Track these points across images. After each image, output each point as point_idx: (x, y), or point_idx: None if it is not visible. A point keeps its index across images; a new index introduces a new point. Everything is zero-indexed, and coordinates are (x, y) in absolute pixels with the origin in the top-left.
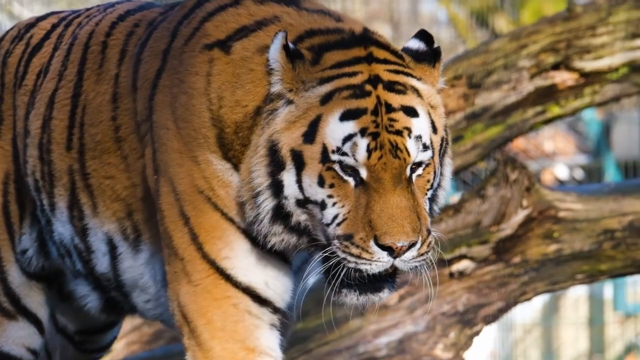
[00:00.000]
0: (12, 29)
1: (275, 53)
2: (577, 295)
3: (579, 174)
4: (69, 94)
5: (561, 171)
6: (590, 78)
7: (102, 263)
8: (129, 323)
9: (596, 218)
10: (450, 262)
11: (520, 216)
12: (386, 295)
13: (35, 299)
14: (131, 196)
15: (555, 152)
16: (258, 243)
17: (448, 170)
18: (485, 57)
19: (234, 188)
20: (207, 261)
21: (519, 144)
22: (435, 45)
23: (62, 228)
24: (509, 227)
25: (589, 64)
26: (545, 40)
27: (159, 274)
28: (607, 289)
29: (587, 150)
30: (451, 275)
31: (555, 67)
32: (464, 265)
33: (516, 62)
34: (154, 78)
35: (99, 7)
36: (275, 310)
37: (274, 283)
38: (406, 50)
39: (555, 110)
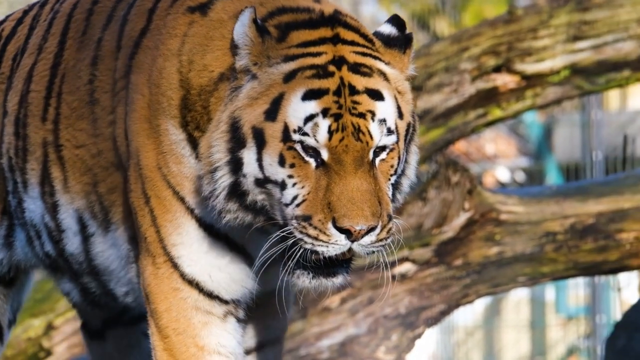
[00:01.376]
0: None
1: (243, 28)
2: (518, 298)
3: (521, 176)
4: (48, 65)
5: (503, 174)
6: (531, 80)
7: (72, 243)
8: (70, 325)
9: (538, 221)
10: (392, 264)
11: (462, 219)
12: (339, 282)
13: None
14: (97, 165)
15: (496, 155)
16: (209, 227)
17: (414, 158)
18: (426, 59)
19: (185, 164)
20: (162, 246)
21: (460, 146)
22: (407, 32)
23: (33, 205)
24: (450, 230)
25: (530, 67)
26: (487, 42)
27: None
28: (549, 291)
29: (529, 152)
30: (393, 277)
31: (497, 69)
32: (405, 267)
33: (457, 65)
34: (138, 37)
35: None
36: (225, 302)
37: (218, 275)
38: (377, 34)
39: (496, 112)
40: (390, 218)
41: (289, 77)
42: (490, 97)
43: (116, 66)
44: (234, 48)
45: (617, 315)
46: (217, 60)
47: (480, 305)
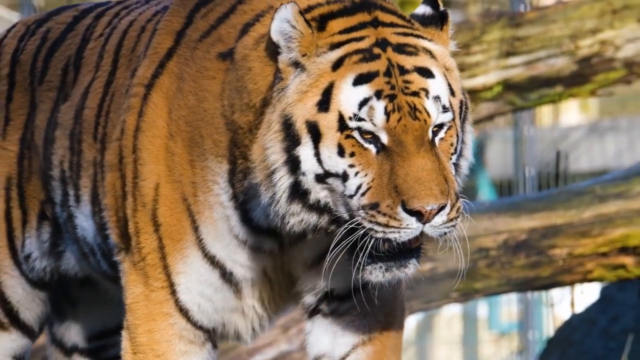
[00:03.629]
0: (14, 27)
1: (288, 22)
2: (451, 314)
3: None
4: (103, 83)
5: None
6: None
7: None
8: None
9: (470, 236)
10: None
11: None
12: (412, 271)
13: (34, 312)
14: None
15: None
16: (211, 258)
17: (469, 137)
18: None
19: (214, 192)
20: (165, 273)
21: None
22: (442, 9)
23: (86, 223)
24: None
25: (463, 83)
26: None
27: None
28: (482, 307)
29: None
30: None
31: None
32: None
33: None
34: (164, 56)
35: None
36: (206, 330)
37: (205, 304)
38: (413, 16)
39: None
40: (457, 197)
41: (337, 64)
42: None
43: (136, 72)
44: (274, 47)
45: (550, 331)
46: (252, 93)
47: (412, 321)
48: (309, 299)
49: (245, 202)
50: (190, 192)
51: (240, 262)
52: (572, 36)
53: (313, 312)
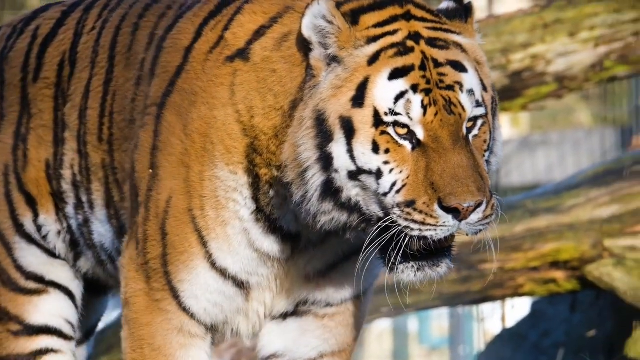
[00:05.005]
0: (0, 28)
1: (323, 18)
2: (381, 329)
3: None
4: (101, 81)
5: None
6: None
7: None
8: None
9: None
10: None
11: None
12: (444, 271)
13: (63, 274)
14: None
15: None
16: (222, 271)
17: (499, 134)
18: None
19: (230, 209)
20: (166, 279)
21: None
22: (466, 1)
23: (102, 228)
24: None
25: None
26: None
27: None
28: (412, 322)
29: None
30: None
31: None
32: None
33: None
34: (174, 75)
35: None
36: (209, 328)
37: (212, 309)
38: (440, 11)
39: None
40: (492, 194)
41: (373, 59)
42: None
43: (149, 93)
44: (306, 44)
45: (481, 346)
46: (279, 95)
47: None
48: (290, 306)
49: (272, 213)
50: (198, 205)
51: (255, 272)
52: (503, 50)
53: (284, 315)
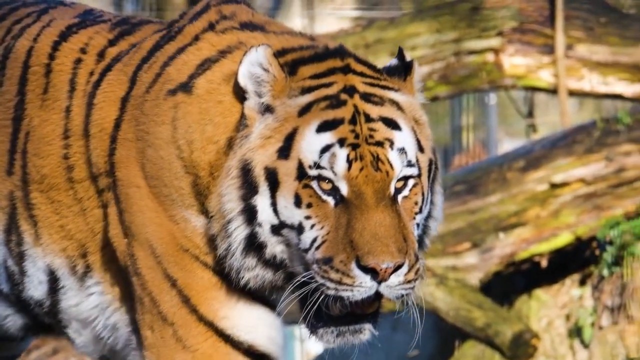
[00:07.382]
0: None
1: (260, 65)
2: None
3: None
4: (10, 116)
5: None
6: None
7: (36, 289)
8: None
9: None
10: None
11: None
12: (367, 337)
13: None
14: (89, 240)
15: None
16: (258, 297)
17: (439, 199)
18: None
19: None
20: (204, 323)
21: None
22: (408, 60)
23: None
24: None
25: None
26: None
27: (120, 328)
28: None
29: None
30: None
31: None
32: None
33: None
34: (113, 130)
35: (27, 10)
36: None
37: (276, 335)
38: (383, 69)
39: None
40: (417, 258)
41: (304, 110)
42: None
43: (90, 158)
44: (242, 92)
45: None
46: (219, 126)
47: None
48: None
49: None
50: (190, 244)
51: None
52: None
53: None
